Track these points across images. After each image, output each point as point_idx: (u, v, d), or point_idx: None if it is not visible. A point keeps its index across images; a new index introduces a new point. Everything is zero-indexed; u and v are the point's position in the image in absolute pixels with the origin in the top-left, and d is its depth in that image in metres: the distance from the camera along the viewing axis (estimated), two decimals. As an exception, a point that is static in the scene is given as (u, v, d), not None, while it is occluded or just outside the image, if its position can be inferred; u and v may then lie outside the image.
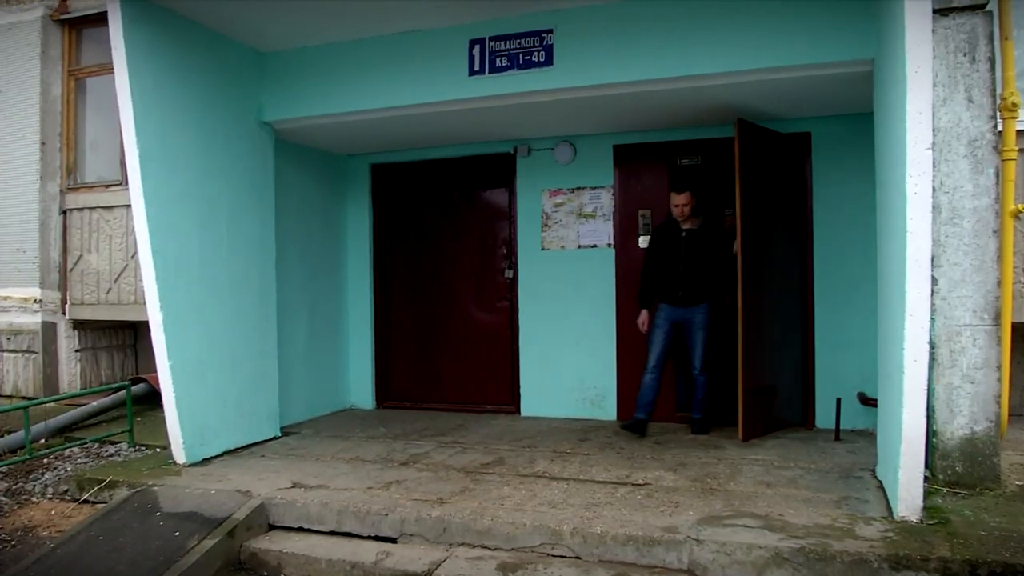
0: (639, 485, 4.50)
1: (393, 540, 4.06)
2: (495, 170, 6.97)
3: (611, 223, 6.51)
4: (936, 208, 3.95)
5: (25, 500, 5.02)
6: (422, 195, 7.32)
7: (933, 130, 3.71)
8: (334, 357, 7.25)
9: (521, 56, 5.22)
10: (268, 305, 6.02)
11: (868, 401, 5.51)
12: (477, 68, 5.33)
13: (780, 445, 5.37)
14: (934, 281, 3.96)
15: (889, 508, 3.86)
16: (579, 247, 6.60)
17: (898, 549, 3.33)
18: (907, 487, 3.68)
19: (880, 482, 4.34)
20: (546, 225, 6.71)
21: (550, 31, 5.16)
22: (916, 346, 3.61)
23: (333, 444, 5.77)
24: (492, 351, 7.01)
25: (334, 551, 3.99)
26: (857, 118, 5.56)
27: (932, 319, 3.89)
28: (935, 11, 3.83)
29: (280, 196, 6.23)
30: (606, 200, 6.52)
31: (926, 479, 3.89)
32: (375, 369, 7.40)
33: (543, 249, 6.73)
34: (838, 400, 5.58)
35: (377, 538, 4.08)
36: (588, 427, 5.98)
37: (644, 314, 5.82)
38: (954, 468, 4.09)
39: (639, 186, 6.44)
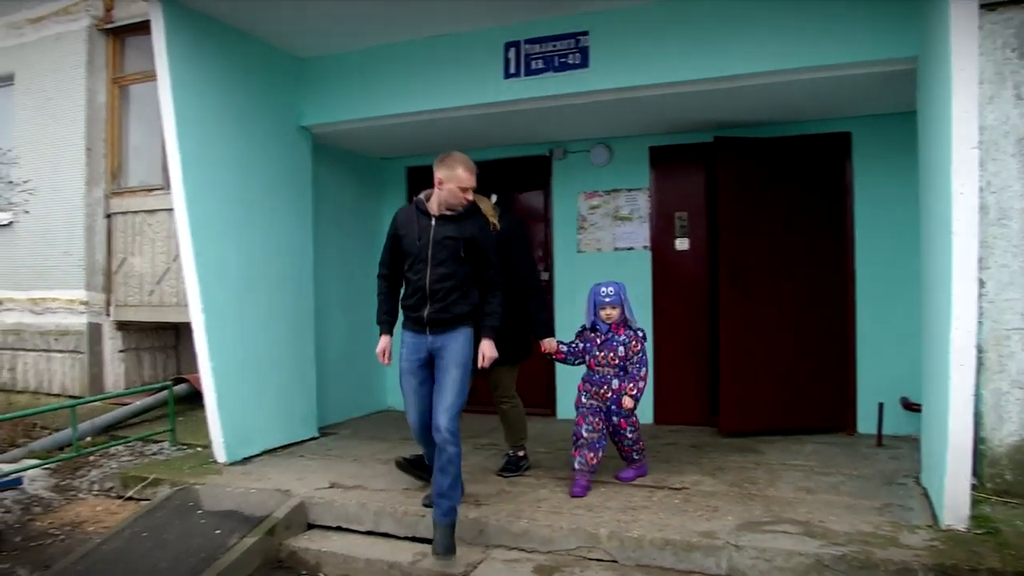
0: (676, 489, 4.46)
1: (430, 541, 4.04)
2: (531, 172, 6.97)
3: (647, 225, 6.47)
4: (983, 208, 3.85)
5: (72, 496, 5.14)
6: (458, 198, 7.33)
7: (979, 128, 3.63)
8: (371, 358, 7.20)
9: (556, 58, 5.21)
10: (306, 307, 6.08)
11: (912, 406, 5.40)
12: (513, 71, 5.33)
13: (820, 450, 5.29)
14: (981, 284, 3.87)
15: (934, 516, 3.78)
16: (615, 249, 6.57)
17: (944, 559, 3.26)
18: (953, 495, 3.60)
19: (925, 489, 4.25)
20: (582, 227, 6.70)
21: (585, 33, 5.15)
22: (963, 351, 3.53)
23: (370, 445, 5.81)
24: (527, 353, 6.99)
25: (372, 551, 4.02)
26: (900, 117, 5.45)
27: (979, 323, 3.80)
28: (981, 6, 3.73)
29: (318, 199, 6.29)
30: (642, 202, 6.49)
31: (973, 487, 3.78)
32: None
33: (579, 251, 6.71)
34: (880, 405, 5.48)
35: (414, 539, 4.10)
36: (624, 430, 5.94)
37: (384, 340, 4.30)
38: (1003, 476, 3.98)
39: (676, 188, 6.40)
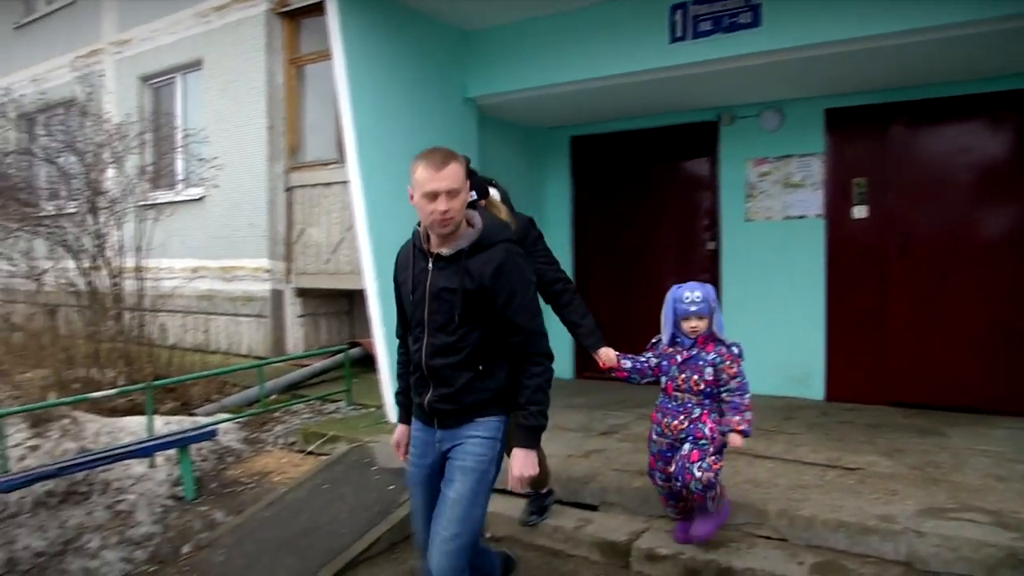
0: (851, 469, 4.26)
1: (594, 508, 4.12)
2: (697, 139, 6.76)
3: (821, 192, 6.12)
4: None
5: (260, 448, 5.59)
6: (622, 166, 7.25)
7: None
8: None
9: (726, 18, 5.00)
10: (471, 276, 6.22)
11: None
12: (679, 34, 5.18)
13: (1013, 436, 4.87)
14: None
15: None
16: (785, 218, 6.26)
17: None
18: None
19: None
20: (750, 195, 6.43)
21: (758, -10, 4.92)
22: None
23: (532, 412, 5.89)
24: (691, 325, 6.85)
25: (535, 515, 4.10)
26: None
27: None
28: None
29: (483, 170, 6.36)
30: (816, 168, 6.13)
31: None
32: (574, 340, 7.44)
33: (747, 220, 6.44)
34: (1088, 388, 4.98)
35: (577, 505, 4.16)
36: (793, 405, 5.73)
37: (400, 431, 3.07)
38: None
39: (854, 152, 6.01)
